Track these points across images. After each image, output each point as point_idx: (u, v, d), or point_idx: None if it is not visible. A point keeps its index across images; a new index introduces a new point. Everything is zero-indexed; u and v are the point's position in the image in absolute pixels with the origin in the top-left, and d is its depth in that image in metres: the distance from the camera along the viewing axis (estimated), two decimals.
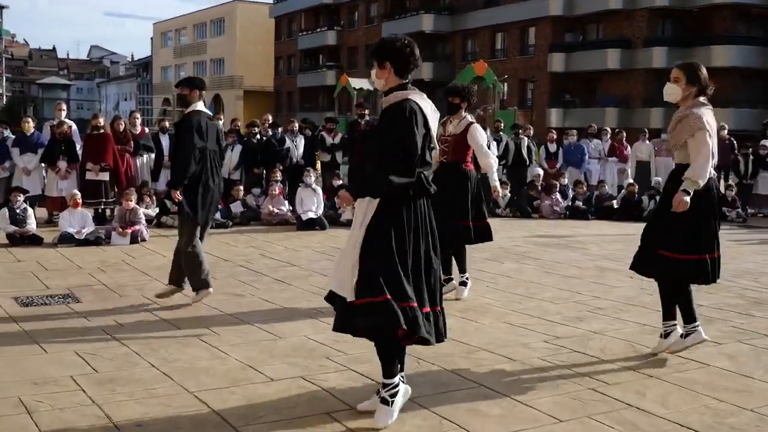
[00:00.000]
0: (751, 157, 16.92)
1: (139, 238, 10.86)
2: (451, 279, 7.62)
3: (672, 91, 5.42)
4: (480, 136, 7.39)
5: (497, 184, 7.84)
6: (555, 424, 4.29)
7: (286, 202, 13.57)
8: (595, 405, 4.59)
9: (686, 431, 4.23)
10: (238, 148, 14.21)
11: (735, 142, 17.69)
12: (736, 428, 4.28)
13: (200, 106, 7.15)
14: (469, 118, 7.48)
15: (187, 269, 7.08)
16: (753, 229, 14.48)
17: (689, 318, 5.47)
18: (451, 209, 7.11)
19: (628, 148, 18.01)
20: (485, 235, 7.51)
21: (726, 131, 18.02)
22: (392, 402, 4.28)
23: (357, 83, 34.99)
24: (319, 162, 15.56)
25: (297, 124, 15.51)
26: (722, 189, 16.87)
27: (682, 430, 4.24)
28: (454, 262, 7.64)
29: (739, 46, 41.16)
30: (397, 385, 4.30)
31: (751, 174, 16.90)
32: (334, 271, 4.37)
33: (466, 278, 7.64)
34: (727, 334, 6.23)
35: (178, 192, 6.88)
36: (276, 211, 13.28)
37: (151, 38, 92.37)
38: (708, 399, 4.71)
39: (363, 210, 4.27)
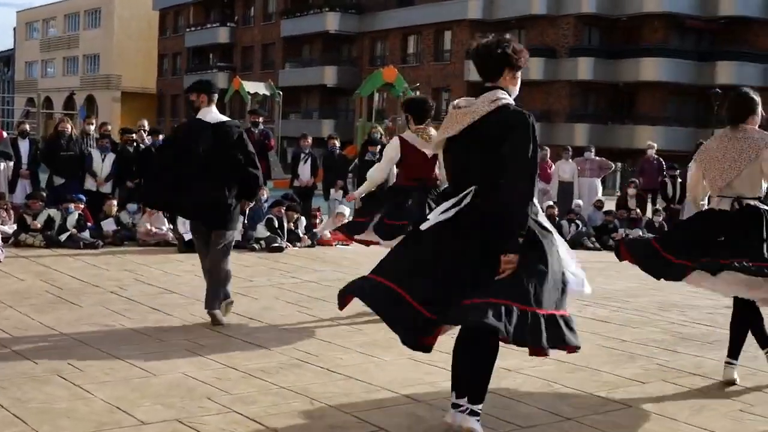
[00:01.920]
0: (680, 180, 16.96)
1: None
2: None
3: None
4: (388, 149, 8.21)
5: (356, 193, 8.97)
6: None
7: (166, 220, 13.36)
8: None
9: None
10: (111, 157, 13.93)
11: (663, 162, 18.29)
12: None
13: (208, 112, 7.70)
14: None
15: None
16: None
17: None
18: None
19: (552, 167, 18.45)
20: None
21: (654, 151, 18.68)
22: None
23: (251, 87, 34.89)
24: None
25: None
26: (649, 213, 17.40)
27: None
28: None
29: (671, 59, 42.72)
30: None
31: (680, 198, 16.95)
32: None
33: None
34: (651, 372, 6.40)
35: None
36: (154, 230, 13.07)
37: (14, 28, 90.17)
38: None
39: None
